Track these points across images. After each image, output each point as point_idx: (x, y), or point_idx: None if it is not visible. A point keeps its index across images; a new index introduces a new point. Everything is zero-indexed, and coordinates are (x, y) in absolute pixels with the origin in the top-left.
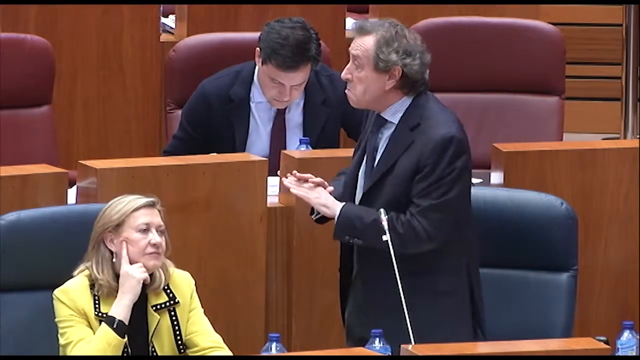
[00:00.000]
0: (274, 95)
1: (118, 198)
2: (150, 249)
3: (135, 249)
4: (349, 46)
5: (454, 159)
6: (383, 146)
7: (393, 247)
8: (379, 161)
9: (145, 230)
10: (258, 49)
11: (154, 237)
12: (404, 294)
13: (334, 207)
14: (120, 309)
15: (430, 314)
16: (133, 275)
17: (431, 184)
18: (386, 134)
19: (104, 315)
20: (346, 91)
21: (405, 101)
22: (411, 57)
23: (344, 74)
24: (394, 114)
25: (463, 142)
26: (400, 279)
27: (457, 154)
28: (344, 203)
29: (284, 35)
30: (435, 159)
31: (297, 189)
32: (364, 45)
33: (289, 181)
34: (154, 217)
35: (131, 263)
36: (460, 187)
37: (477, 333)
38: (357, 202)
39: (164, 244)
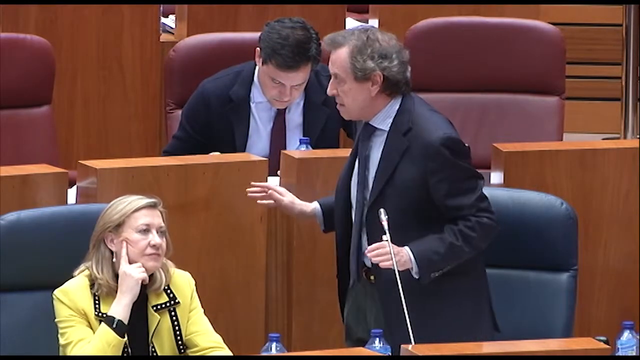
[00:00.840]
0: (274, 95)
1: (120, 198)
2: (150, 250)
3: (134, 249)
4: None
5: (460, 154)
6: (377, 155)
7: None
8: (376, 172)
9: (145, 231)
10: (258, 49)
11: (154, 238)
12: (404, 294)
13: (410, 258)
14: (120, 308)
15: (457, 315)
16: (132, 275)
17: (458, 183)
18: (376, 141)
19: (104, 315)
20: (338, 106)
21: (393, 106)
22: (388, 59)
23: (329, 91)
24: (382, 121)
25: (459, 140)
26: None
27: (460, 150)
28: (408, 249)
29: (284, 35)
30: (442, 160)
31: (383, 264)
32: (339, 59)
33: (378, 259)
34: (155, 218)
35: (130, 263)
36: (478, 174)
37: (495, 331)
38: (353, 209)
39: (164, 245)
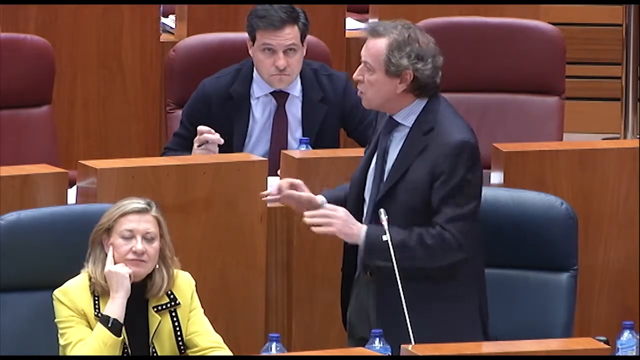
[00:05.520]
0: (270, 70)
1: (120, 200)
2: (131, 256)
3: (117, 254)
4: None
5: (471, 164)
6: (395, 150)
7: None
8: (392, 167)
9: (129, 237)
10: (248, 38)
11: (137, 244)
12: (404, 295)
13: (359, 234)
14: (114, 307)
15: (447, 319)
16: (117, 271)
17: (453, 191)
18: (397, 136)
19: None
20: (359, 93)
21: (418, 104)
22: (423, 61)
23: (356, 75)
24: (406, 117)
25: (477, 149)
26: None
27: (473, 160)
28: (366, 227)
29: (267, 7)
30: (452, 164)
31: (320, 228)
32: (375, 48)
33: (311, 220)
34: (142, 223)
35: None
36: (478, 194)
37: (484, 338)
38: (366, 202)
39: (150, 251)
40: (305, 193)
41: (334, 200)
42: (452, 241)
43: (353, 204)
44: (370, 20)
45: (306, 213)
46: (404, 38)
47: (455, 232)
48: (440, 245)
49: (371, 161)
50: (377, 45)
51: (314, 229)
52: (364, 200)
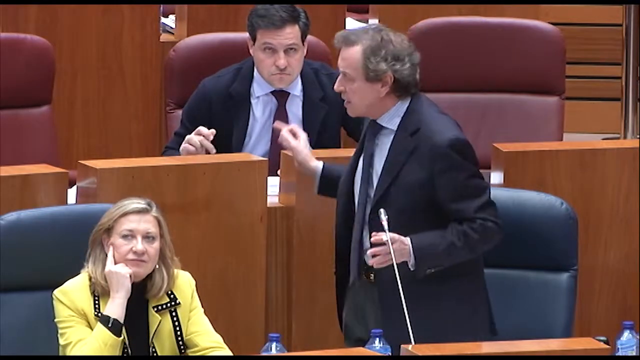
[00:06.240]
0: (271, 70)
1: (120, 200)
2: (131, 256)
3: (118, 254)
4: None
5: (468, 159)
6: (382, 154)
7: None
8: (382, 171)
9: (129, 236)
10: (249, 37)
11: (137, 244)
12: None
13: (407, 253)
14: (114, 307)
15: (457, 317)
16: (117, 271)
17: (464, 187)
18: (383, 140)
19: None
20: (345, 103)
21: (401, 106)
22: (400, 61)
23: (337, 87)
24: (390, 120)
25: (468, 143)
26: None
27: (469, 154)
28: (409, 240)
29: (268, 6)
30: (450, 162)
31: (380, 261)
32: (351, 57)
33: (376, 253)
34: (142, 223)
35: None
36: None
37: (491, 334)
38: (356, 207)
39: (150, 251)
40: (303, 153)
41: (329, 174)
42: (494, 227)
43: (342, 208)
44: (339, 32)
45: (370, 251)
46: (377, 42)
47: (493, 217)
48: (485, 236)
49: (357, 165)
50: (352, 54)
51: (372, 261)
52: (352, 204)
